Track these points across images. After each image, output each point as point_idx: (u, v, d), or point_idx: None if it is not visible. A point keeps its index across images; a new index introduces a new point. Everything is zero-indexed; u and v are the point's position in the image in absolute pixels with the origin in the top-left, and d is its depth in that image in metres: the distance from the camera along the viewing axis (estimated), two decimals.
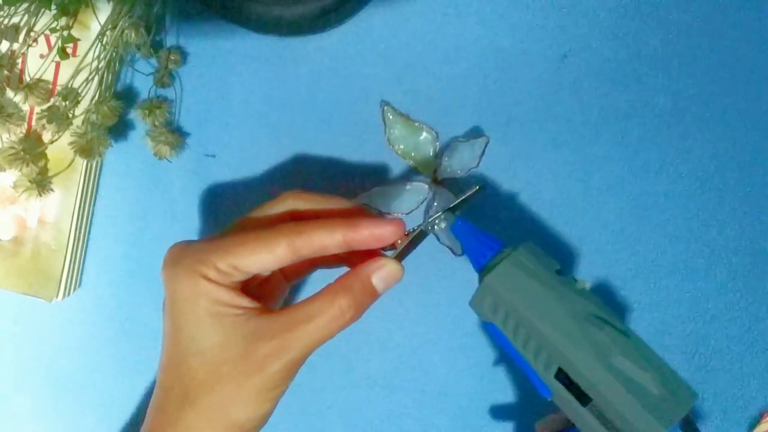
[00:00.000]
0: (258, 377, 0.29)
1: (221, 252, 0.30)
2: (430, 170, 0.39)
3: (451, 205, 0.33)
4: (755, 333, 0.40)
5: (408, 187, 0.39)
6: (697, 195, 0.40)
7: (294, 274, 0.36)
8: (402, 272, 0.32)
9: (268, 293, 0.35)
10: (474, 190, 0.34)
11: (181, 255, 0.31)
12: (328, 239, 0.30)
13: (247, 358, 0.29)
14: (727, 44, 0.40)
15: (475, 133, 0.40)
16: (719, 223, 0.40)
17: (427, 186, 0.39)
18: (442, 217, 0.33)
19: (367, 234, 0.31)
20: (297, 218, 0.33)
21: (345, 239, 0.30)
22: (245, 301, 0.31)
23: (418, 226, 0.33)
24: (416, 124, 0.39)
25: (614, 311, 0.30)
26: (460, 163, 0.39)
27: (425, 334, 0.40)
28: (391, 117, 0.39)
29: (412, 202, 0.39)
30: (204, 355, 0.30)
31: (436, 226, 0.34)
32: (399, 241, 0.32)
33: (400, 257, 0.32)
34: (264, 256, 0.30)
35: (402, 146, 0.39)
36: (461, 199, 0.33)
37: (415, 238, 0.33)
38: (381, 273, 0.31)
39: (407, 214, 0.39)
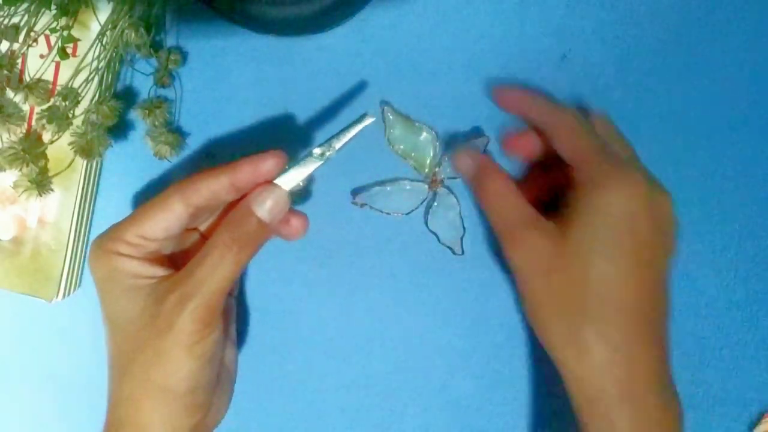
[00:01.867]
0: (170, 334, 0.30)
1: (127, 225, 0.31)
2: (430, 170, 0.39)
3: (338, 133, 0.33)
4: (756, 333, 0.40)
5: (408, 187, 0.39)
6: (698, 195, 0.40)
7: None
8: (284, 196, 0.32)
9: None
10: (364, 123, 0.33)
11: (98, 238, 0.32)
12: (215, 184, 0.31)
13: (156, 317, 0.30)
14: (727, 44, 0.40)
15: (476, 133, 0.40)
16: (720, 223, 0.40)
17: (426, 186, 0.39)
18: (326, 147, 0.33)
19: (249, 170, 0.31)
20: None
21: (230, 181, 0.31)
22: (159, 270, 0.32)
23: (303, 155, 0.33)
24: (416, 124, 0.39)
25: None
26: None
27: (425, 335, 0.40)
28: (391, 117, 0.39)
29: (412, 202, 0.39)
30: (126, 327, 0.31)
31: (315, 154, 0.33)
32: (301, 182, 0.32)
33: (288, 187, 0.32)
34: (162, 216, 0.31)
35: (402, 146, 0.39)
36: (349, 129, 0.33)
37: (303, 167, 0.33)
38: (260, 199, 0.31)
39: (407, 214, 0.39)
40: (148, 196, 0.40)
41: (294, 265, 0.40)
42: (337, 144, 0.33)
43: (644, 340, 0.31)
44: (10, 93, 0.36)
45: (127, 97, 0.40)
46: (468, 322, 0.40)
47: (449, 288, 0.40)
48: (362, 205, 0.39)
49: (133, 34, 0.37)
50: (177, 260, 0.34)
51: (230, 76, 0.40)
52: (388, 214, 0.39)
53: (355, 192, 0.40)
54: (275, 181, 0.32)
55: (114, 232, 0.32)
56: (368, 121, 0.33)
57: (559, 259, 0.31)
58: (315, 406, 0.41)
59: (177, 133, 0.40)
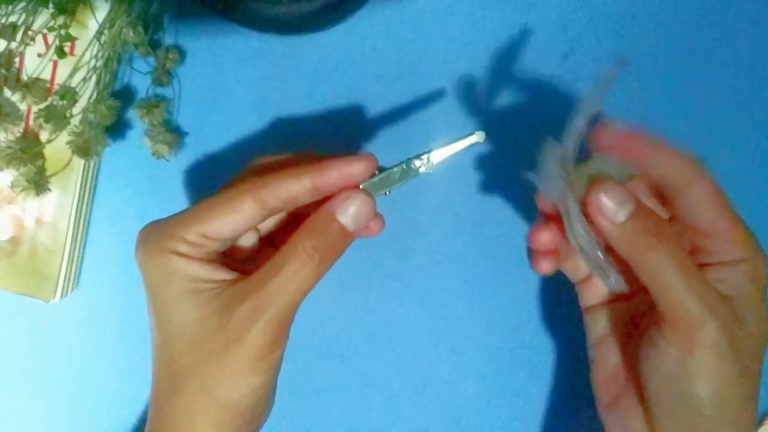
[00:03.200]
0: (239, 348, 0.27)
1: (187, 222, 0.28)
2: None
3: (438, 149, 0.30)
4: None
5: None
6: None
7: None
8: (370, 203, 0.29)
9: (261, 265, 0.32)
10: (469, 140, 0.30)
11: (149, 234, 0.29)
12: (296, 186, 0.28)
13: (223, 329, 0.27)
14: (728, 43, 0.40)
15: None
16: None
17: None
18: (424, 160, 0.30)
19: (337, 175, 0.28)
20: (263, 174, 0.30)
21: (314, 184, 0.28)
22: (222, 274, 0.29)
23: (395, 166, 0.30)
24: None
25: None
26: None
27: (425, 334, 0.40)
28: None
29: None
30: (183, 336, 0.28)
31: (413, 166, 0.30)
32: (387, 191, 0.30)
33: (373, 192, 0.29)
34: (231, 217, 0.28)
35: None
36: (452, 144, 0.30)
37: (397, 176, 0.30)
38: (345, 206, 0.28)
39: None
40: (146, 195, 0.40)
41: None
42: (437, 159, 0.30)
43: None
44: (7, 92, 0.36)
45: (125, 96, 0.40)
46: (469, 322, 0.40)
47: (450, 288, 0.40)
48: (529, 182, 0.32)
49: (131, 33, 0.37)
50: (229, 258, 0.31)
51: (229, 75, 0.40)
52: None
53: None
54: (361, 186, 0.29)
55: (171, 228, 0.28)
56: (475, 139, 0.30)
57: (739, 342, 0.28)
58: (314, 407, 0.41)
59: (175, 132, 0.39)
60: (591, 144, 0.30)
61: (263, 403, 0.30)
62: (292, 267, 0.27)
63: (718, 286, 0.28)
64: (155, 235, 0.29)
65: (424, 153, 0.30)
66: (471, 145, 0.30)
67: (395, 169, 0.30)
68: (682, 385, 0.27)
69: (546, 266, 0.33)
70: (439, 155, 0.30)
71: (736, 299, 0.28)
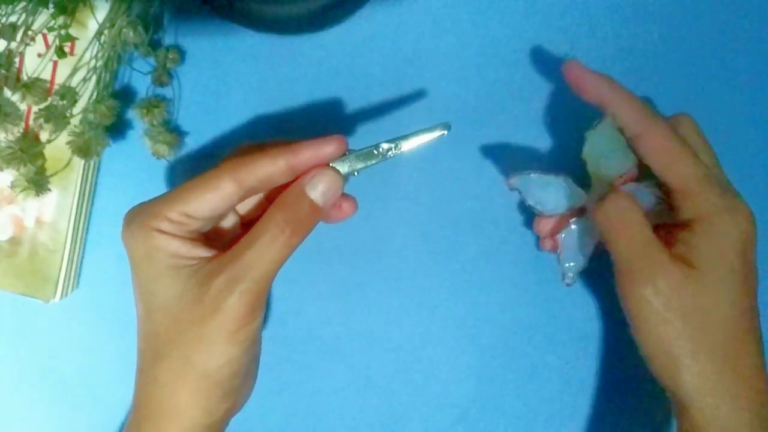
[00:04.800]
0: (216, 318, 0.29)
1: (170, 202, 0.30)
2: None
3: (409, 134, 0.32)
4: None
5: (566, 186, 0.35)
6: None
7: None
8: (338, 179, 0.31)
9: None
10: (436, 132, 0.31)
11: (135, 214, 0.31)
12: (271, 167, 0.30)
13: (201, 301, 0.29)
14: (728, 43, 0.40)
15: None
16: None
17: (585, 195, 0.35)
18: (393, 145, 0.32)
19: (310, 154, 0.30)
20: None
21: (288, 164, 0.30)
22: (201, 251, 0.30)
23: (364, 148, 0.32)
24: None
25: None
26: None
27: (425, 334, 0.40)
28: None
29: (562, 203, 0.36)
30: (165, 309, 0.30)
31: (381, 149, 0.32)
32: (356, 172, 0.32)
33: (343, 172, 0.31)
34: (210, 196, 0.29)
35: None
36: (418, 133, 0.32)
37: (364, 157, 0.32)
38: (314, 182, 0.30)
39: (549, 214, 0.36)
40: (146, 195, 0.40)
41: (294, 265, 0.40)
42: (405, 146, 0.32)
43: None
44: (7, 92, 0.36)
45: (125, 96, 0.40)
46: (468, 321, 0.40)
47: (449, 288, 0.40)
48: (512, 190, 0.36)
49: (131, 33, 0.37)
50: (211, 240, 0.33)
51: (229, 75, 0.40)
52: (533, 208, 0.36)
53: (511, 174, 0.36)
54: (331, 164, 0.31)
55: (154, 207, 0.30)
56: (441, 132, 0.32)
57: (691, 299, 0.30)
58: (314, 407, 0.41)
59: (175, 132, 0.39)
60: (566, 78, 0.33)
61: (241, 377, 0.31)
62: (264, 240, 0.29)
63: (678, 247, 0.31)
64: (140, 215, 0.30)
65: (394, 139, 0.32)
66: (439, 136, 0.32)
67: (364, 151, 0.32)
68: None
69: (549, 244, 0.37)
70: (408, 143, 0.32)
71: (694, 261, 0.31)
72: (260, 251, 0.29)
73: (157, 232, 0.30)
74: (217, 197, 0.30)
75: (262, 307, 0.30)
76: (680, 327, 0.30)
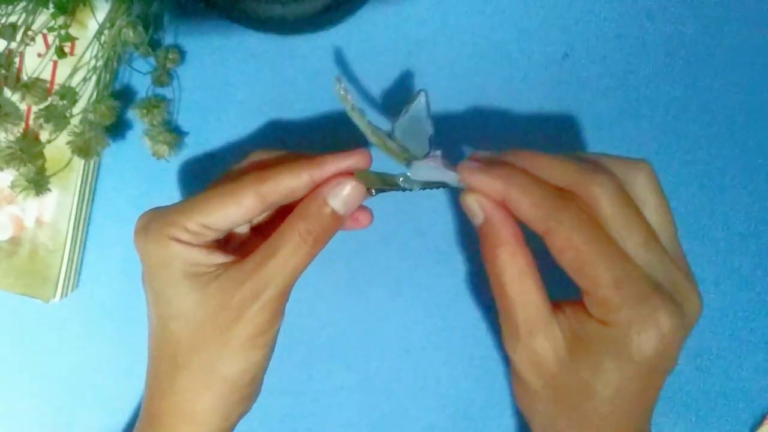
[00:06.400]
0: (239, 325, 0.29)
1: (188, 212, 0.30)
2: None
3: (427, 182, 0.31)
4: (758, 333, 0.39)
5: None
6: (699, 194, 0.39)
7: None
8: (360, 189, 0.30)
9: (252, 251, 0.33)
10: (453, 182, 0.30)
11: (150, 221, 0.31)
12: (295, 181, 0.29)
13: (224, 309, 0.29)
14: (729, 42, 0.40)
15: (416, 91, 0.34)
16: (721, 222, 0.39)
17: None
18: (413, 183, 0.31)
19: (333, 169, 0.30)
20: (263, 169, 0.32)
21: (312, 178, 0.30)
22: (219, 258, 0.30)
23: (394, 174, 0.31)
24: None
25: None
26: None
27: (425, 334, 0.40)
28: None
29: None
30: (185, 317, 0.30)
31: (402, 181, 0.31)
32: (373, 190, 0.31)
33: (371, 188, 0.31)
34: (232, 210, 0.29)
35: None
36: (443, 181, 0.30)
37: (386, 178, 0.31)
38: (336, 191, 0.30)
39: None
40: (146, 195, 0.40)
41: None
42: (421, 181, 0.31)
43: None
44: (7, 92, 0.36)
45: (125, 96, 0.40)
46: (468, 322, 0.40)
47: (449, 288, 0.40)
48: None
49: (131, 33, 0.37)
50: (221, 243, 0.33)
51: (229, 75, 0.40)
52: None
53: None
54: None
55: (172, 215, 0.30)
56: (458, 185, 0.30)
57: (567, 375, 0.27)
58: (315, 406, 0.41)
59: (175, 132, 0.39)
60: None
61: (257, 381, 0.32)
62: (287, 250, 0.29)
63: (576, 321, 0.28)
64: (156, 222, 0.30)
65: (414, 180, 0.31)
66: (454, 188, 0.30)
67: (384, 174, 0.31)
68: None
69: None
70: (427, 180, 0.31)
71: (585, 357, 0.27)
72: (283, 261, 0.29)
73: (175, 241, 0.29)
74: (239, 211, 0.29)
75: (283, 312, 0.31)
76: (550, 393, 0.28)
